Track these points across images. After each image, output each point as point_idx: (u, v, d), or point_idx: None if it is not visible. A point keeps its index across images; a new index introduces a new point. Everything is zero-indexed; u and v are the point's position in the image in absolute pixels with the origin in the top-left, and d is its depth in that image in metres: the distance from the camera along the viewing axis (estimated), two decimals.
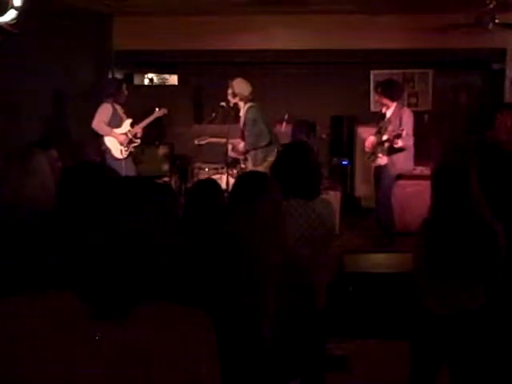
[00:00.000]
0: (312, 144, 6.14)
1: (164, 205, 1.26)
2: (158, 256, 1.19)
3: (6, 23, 4.58)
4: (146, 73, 9.02)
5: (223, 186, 5.89)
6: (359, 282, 4.97)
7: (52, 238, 1.87)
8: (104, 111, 6.02)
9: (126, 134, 6.09)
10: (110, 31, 7.72)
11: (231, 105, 5.81)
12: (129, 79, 9.05)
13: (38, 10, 5.24)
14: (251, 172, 2.80)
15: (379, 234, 5.93)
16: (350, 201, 7.33)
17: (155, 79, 9.10)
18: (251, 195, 2.18)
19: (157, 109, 6.29)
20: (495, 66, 7.88)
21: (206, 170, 6.55)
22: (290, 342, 2.15)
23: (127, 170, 5.95)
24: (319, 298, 2.80)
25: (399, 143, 5.49)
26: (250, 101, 5.71)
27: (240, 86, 5.70)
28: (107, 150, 6.08)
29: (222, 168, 6.21)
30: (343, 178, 7.58)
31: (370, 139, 5.95)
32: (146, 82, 9.10)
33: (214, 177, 6.15)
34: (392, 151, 5.66)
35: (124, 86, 6.21)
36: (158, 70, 8.93)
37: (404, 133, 5.37)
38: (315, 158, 3.08)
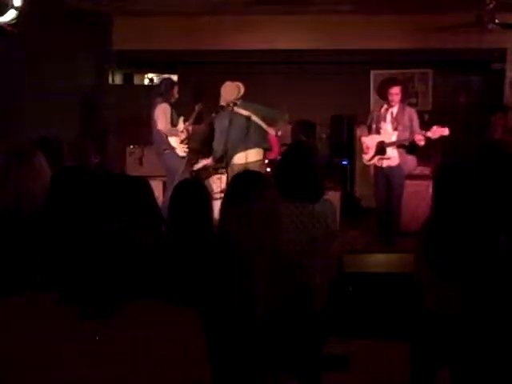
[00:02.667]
0: (312, 144, 6.15)
1: (145, 201, 1.26)
2: (140, 254, 1.19)
3: (6, 23, 4.58)
4: (146, 73, 9.02)
5: (223, 186, 5.89)
6: (359, 282, 4.97)
7: (41, 239, 1.87)
8: (165, 112, 6.02)
9: (183, 131, 6.11)
10: (110, 31, 7.72)
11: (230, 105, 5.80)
12: (129, 79, 9.05)
13: (38, 9, 5.24)
14: (246, 171, 2.76)
15: (384, 235, 5.90)
16: (350, 201, 7.32)
17: (155, 79, 9.10)
18: (243, 195, 2.17)
19: (196, 106, 6.22)
20: (495, 66, 7.89)
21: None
22: (286, 343, 2.14)
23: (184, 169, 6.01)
24: (320, 298, 2.80)
25: (423, 143, 5.53)
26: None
27: (223, 92, 5.73)
28: (172, 150, 6.07)
29: (223, 168, 6.21)
30: (343, 178, 7.58)
31: (366, 141, 5.90)
32: (146, 81, 9.10)
33: (214, 177, 6.17)
34: (410, 151, 5.69)
35: (176, 88, 6.16)
36: (158, 70, 8.93)
37: (446, 131, 5.39)
38: (317, 159, 3.07)
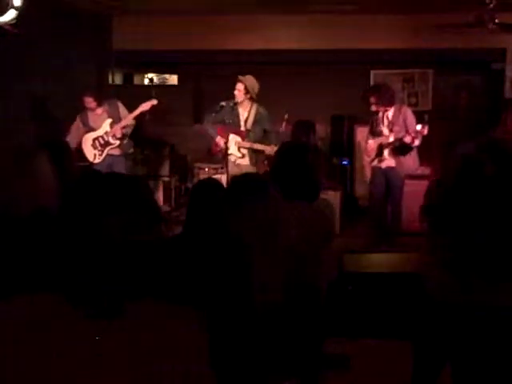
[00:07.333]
0: (312, 144, 6.14)
1: (144, 200, 1.26)
2: (142, 253, 1.19)
3: (6, 23, 4.58)
4: (146, 73, 9.01)
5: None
6: (359, 282, 4.96)
7: (44, 240, 1.87)
8: (72, 130, 6.10)
9: (99, 137, 6.05)
10: (110, 31, 7.72)
11: (236, 102, 5.75)
12: (129, 79, 9.05)
13: (38, 9, 5.24)
14: (245, 174, 2.76)
15: (381, 234, 5.89)
16: (350, 201, 7.32)
17: (155, 79, 9.09)
18: (245, 197, 2.17)
19: (143, 104, 6.00)
20: (495, 66, 7.89)
21: (206, 170, 6.56)
22: (288, 342, 2.14)
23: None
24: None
25: (416, 142, 5.53)
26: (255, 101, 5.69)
27: (252, 83, 5.70)
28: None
29: (222, 168, 6.20)
30: (343, 178, 7.58)
31: (371, 144, 5.89)
32: (146, 81, 9.09)
33: (214, 177, 6.17)
34: (401, 152, 5.68)
35: (85, 97, 6.05)
36: (158, 70, 8.93)
37: (425, 130, 5.40)
38: (314, 158, 3.06)
